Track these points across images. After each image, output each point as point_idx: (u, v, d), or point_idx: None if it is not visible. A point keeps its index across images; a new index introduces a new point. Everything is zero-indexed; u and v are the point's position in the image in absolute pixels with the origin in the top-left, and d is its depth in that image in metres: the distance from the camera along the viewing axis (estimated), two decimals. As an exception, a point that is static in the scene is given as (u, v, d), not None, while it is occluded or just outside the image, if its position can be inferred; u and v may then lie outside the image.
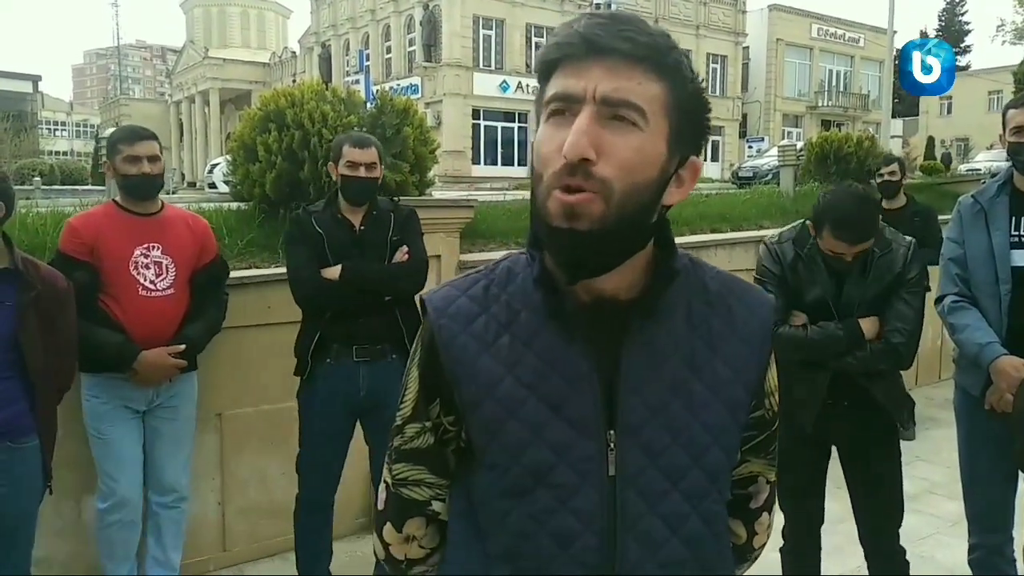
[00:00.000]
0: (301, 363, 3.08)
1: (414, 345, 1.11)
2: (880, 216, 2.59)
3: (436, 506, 1.13)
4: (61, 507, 3.11)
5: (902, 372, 2.76)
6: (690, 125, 0.98)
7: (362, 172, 3.01)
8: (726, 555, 1.13)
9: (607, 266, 0.98)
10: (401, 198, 3.62)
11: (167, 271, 2.98)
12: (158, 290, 2.95)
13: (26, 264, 2.54)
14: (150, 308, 2.93)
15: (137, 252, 2.92)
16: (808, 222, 2.63)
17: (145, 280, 2.93)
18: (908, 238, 2.67)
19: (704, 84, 1.01)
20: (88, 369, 2.93)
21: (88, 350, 2.82)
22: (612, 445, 1.00)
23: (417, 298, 1.13)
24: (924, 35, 45.94)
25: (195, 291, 3.09)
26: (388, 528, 1.15)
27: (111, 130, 4.67)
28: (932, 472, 4.47)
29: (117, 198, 3.03)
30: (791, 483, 2.82)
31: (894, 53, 16.66)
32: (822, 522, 2.86)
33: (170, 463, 3.12)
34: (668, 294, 1.03)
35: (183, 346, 2.98)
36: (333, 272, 2.96)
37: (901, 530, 2.75)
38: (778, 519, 2.86)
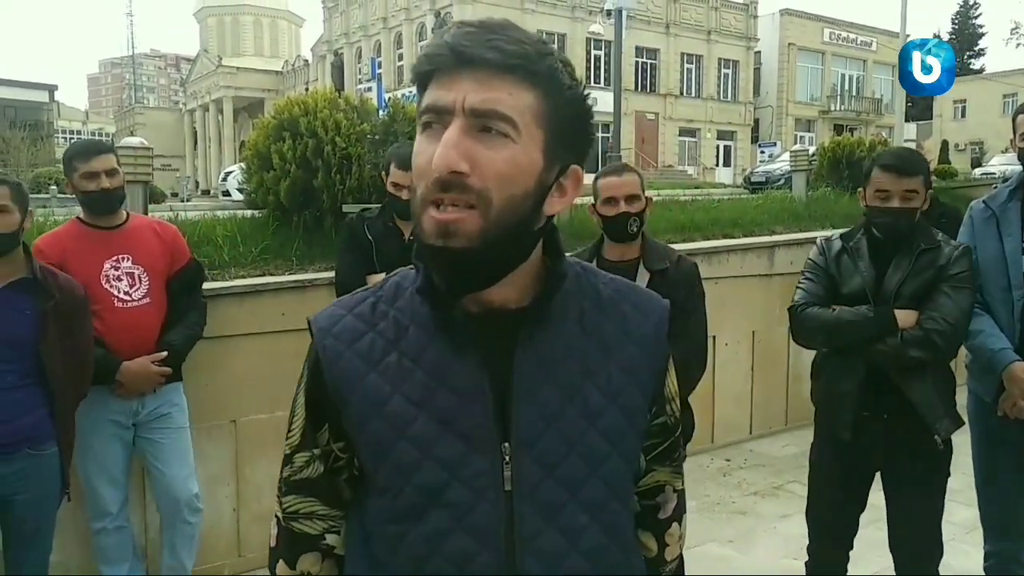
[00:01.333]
0: None
1: (302, 369, 1.07)
2: (929, 174, 2.52)
3: (330, 539, 1.07)
4: (77, 513, 3.14)
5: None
6: (569, 133, 0.96)
7: (405, 194, 3.00)
8: (635, 567, 1.10)
9: (489, 280, 0.96)
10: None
11: (140, 281, 2.96)
12: (134, 300, 2.94)
13: (44, 272, 2.57)
14: (128, 319, 2.92)
15: (107, 265, 2.91)
16: (864, 214, 2.60)
17: (119, 292, 2.91)
18: (962, 243, 2.59)
19: (586, 91, 0.98)
20: None
21: None
22: (507, 458, 0.96)
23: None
24: (936, 38, 45.71)
25: (172, 298, 3.07)
26: (281, 566, 1.08)
27: (127, 138, 4.68)
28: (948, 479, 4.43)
29: (81, 215, 3.00)
30: (821, 498, 2.74)
31: (904, 56, 16.58)
32: (850, 547, 2.77)
33: (176, 477, 3.11)
34: (558, 299, 1.01)
35: (165, 353, 2.97)
36: (376, 280, 2.98)
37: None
38: (796, 528, 2.85)
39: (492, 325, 0.98)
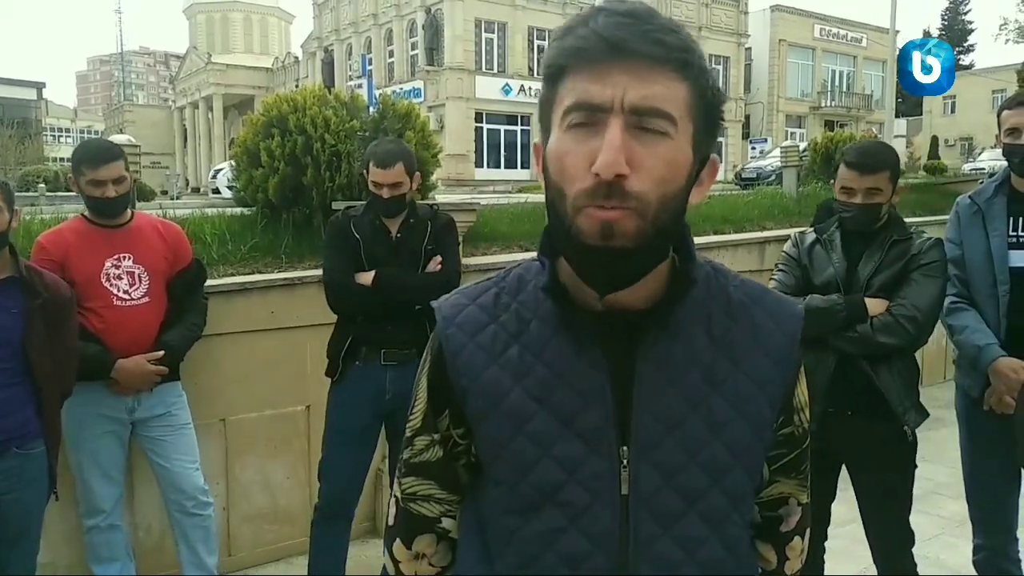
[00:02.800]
0: (332, 364, 3.10)
1: (424, 354, 1.08)
2: (898, 169, 2.54)
3: (446, 523, 1.09)
4: (65, 512, 3.13)
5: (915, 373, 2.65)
6: (710, 123, 0.93)
7: (385, 193, 2.97)
8: None
9: (638, 277, 0.93)
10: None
11: (140, 280, 2.96)
12: (133, 299, 2.94)
13: (30, 271, 2.56)
14: (127, 317, 2.92)
15: (108, 264, 2.91)
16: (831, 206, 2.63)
17: (119, 291, 2.91)
18: (933, 236, 2.61)
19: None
20: None
21: None
22: (625, 463, 0.95)
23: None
24: (927, 35, 45.96)
25: (172, 298, 3.07)
26: (398, 544, 1.11)
27: (115, 136, 4.65)
28: (937, 472, 4.45)
29: (86, 212, 3.00)
30: None
31: (897, 53, 16.63)
32: (825, 538, 2.80)
33: (182, 471, 3.11)
34: (686, 304, 0.98)
35: (162, 353, 2.97)
36: (366, 278, 2.97)
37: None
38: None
39: (616, 325, 0.96)
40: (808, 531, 1.19)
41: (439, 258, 3.06)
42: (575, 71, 0.87)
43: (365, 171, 3.05)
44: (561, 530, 0.95)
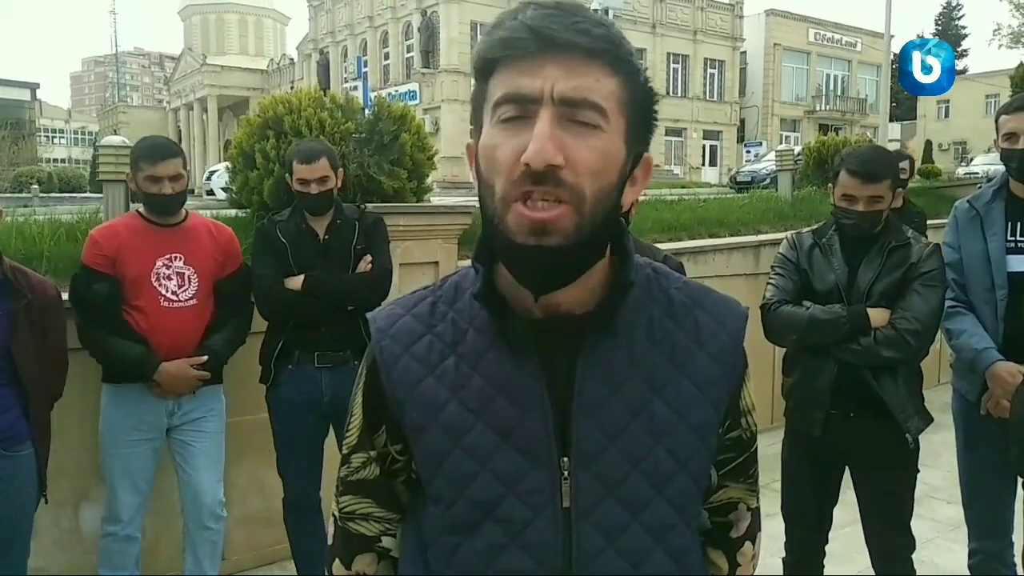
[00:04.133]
0: (265, 371, 3.09)
1: (360, 367, 1.05)
2: (898, 176, 2.55)
3: (386, 542, 1.06)
4: (59, 516, 3.10)
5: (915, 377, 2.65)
6: (643, 120, 0.92)
7: (313, 189, 2.97)
8: None
9: (575, 277, 0.91)
10: (396, 204, 3.60)
11: (189, 281, 2.94)
12: (180, 301, 2.92)
13: (15, 273, 2.53)
14: (173, 319, 2.89)
15: (159, 263, 2.89)
16: (832, 213, 2.62)
17: (167, 291, 2.89)
18: (931, 241, 2.62)
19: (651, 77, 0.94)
20: (109, 379, 2.93)
21: (110, 362, 2.85)
22: (566, 474, 0.92)
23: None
24: (921, 38, 46.03)
25: (220, 301, 3.04)
26: (337, 565, 1.08)
27: (109, 137, 4.62)
28: (932, 476, 4.46)
29: (141, 209, 2.99)
30: (794, 494, 2.78)
31: (891, 57, 16.69)
32: (827, 541, 2.80)
33: (203, 482, 3.08)
34: (626, 307, 0.95)
35: (205, 358, 2.95)
36: (295, 282, 2.96)
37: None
38: (778, 527, 2.86)
39: (555, 331, 0.93)
40: (759, 536, 1.15)
41: (369, 258, 3.05)
42: (505, 65, 0.86)
43: (288, 174, 3.04)
44: (502, 547, 0.92)
